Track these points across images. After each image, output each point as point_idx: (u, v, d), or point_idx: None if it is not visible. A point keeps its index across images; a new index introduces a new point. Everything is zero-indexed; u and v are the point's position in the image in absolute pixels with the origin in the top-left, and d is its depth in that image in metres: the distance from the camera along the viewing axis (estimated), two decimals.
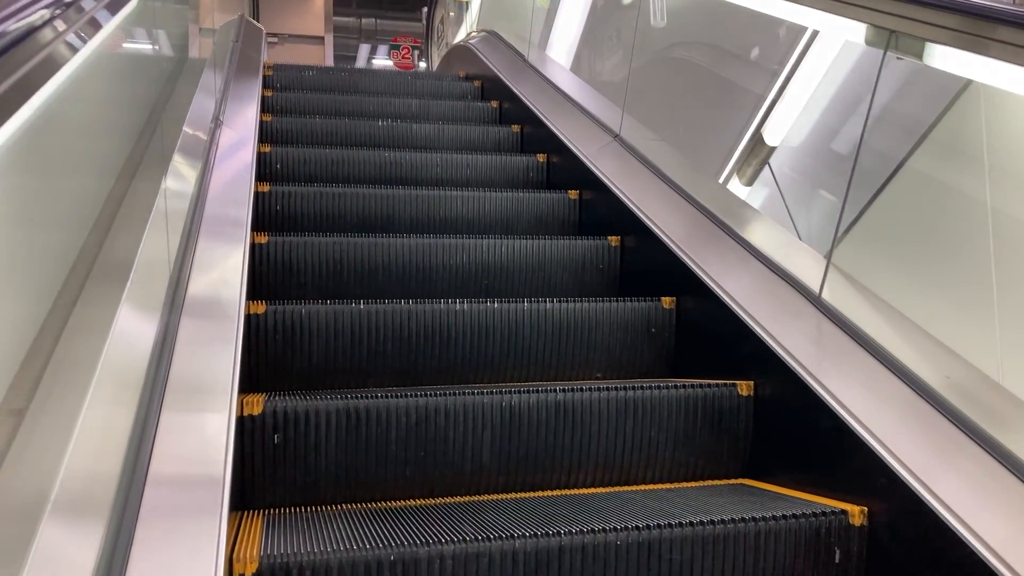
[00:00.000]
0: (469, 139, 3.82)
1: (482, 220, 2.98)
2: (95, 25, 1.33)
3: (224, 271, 2.03)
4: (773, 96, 2.65)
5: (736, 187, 2.73)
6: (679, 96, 3.25)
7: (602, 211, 2.89)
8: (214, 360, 1.67)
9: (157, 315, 1.58)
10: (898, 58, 1.79)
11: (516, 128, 3.88)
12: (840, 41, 2.41)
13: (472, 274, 2.57)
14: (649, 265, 2.53)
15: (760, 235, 2.26)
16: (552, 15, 4.69)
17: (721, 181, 2.76)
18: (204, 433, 1.48)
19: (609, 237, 2.68)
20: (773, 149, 2.65)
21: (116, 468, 1.18)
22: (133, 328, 1.38)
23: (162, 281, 1.67)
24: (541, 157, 3.46)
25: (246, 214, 2.35)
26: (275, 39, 11.70)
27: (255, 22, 5.62)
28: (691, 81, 3.22)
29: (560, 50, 4.53)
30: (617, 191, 2.76)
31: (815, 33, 2.46)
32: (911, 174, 2.05)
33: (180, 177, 2.10)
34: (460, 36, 7.17)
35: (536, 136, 3.69)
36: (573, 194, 3.07)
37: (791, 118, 2.65)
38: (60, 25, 1.12)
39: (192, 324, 1.73)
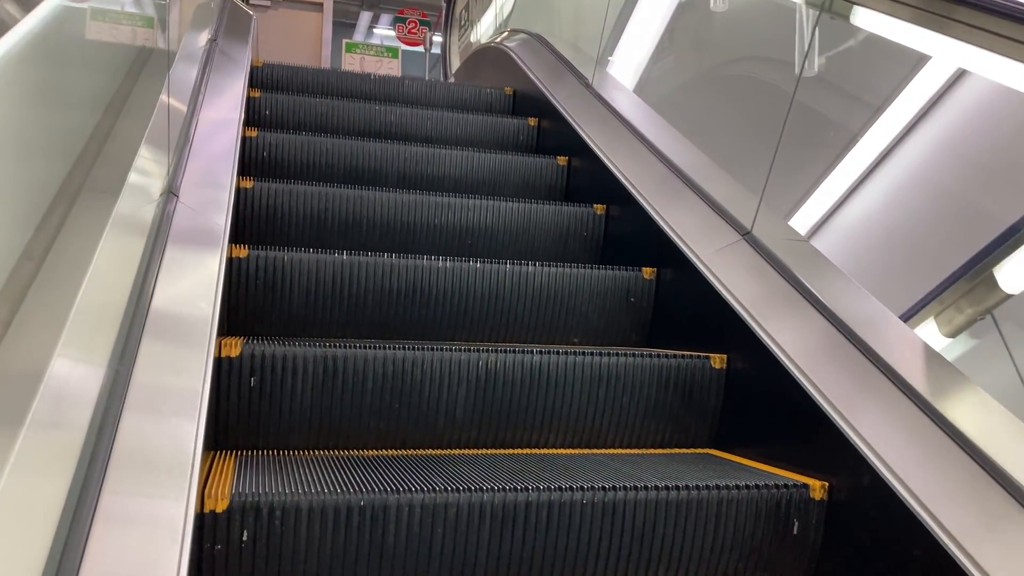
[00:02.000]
0: (534, 226, 2.67)
1: None
2: None
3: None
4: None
5: (931, 335, 1.94)
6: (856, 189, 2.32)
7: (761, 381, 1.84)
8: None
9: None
10: None
11: (600, 209, 2.71)
12: None
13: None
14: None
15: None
16: (622, 24, 3.54)
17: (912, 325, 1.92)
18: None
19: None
20: (1007, 298, 1.87)
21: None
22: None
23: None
24: (648, 273, 2.32)
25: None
26: (268, 3, 11.24)
27: (242, 5, 4.22)
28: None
29: (639, 79, 3.41)
30: (773, 346, 1.78)
31: None
32: None
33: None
34: (487, 22, 6.34)
35: (626, 221, 2.60)
36: (717, 363, 1.93)
37: None
38: None
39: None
